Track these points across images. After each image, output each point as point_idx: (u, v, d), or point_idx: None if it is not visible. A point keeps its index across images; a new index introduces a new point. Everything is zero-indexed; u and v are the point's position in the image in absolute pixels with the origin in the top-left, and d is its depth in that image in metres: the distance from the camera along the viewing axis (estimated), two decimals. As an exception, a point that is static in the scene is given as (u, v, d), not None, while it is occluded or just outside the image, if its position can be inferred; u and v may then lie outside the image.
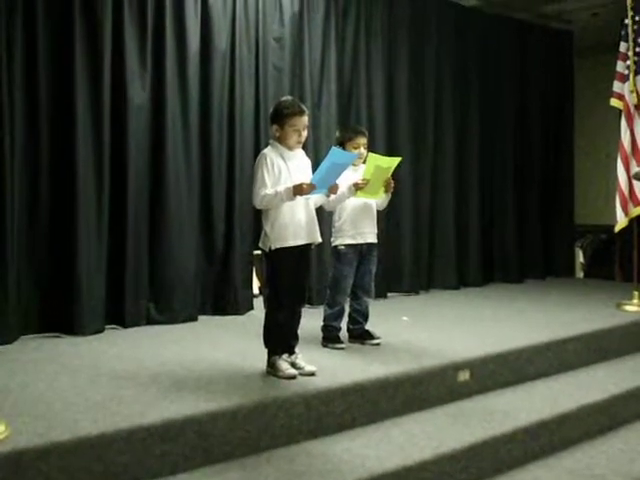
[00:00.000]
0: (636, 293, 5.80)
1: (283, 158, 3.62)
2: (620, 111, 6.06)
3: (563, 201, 8.06)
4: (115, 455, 2.70)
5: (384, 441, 3.24)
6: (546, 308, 5.81)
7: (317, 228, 3.73)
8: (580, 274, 8.45)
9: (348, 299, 4.39)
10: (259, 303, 5.53)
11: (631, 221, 5.95)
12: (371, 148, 4.62)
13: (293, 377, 3.48)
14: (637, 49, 5.87)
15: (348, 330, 4.41)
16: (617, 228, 6.06)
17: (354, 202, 4.25)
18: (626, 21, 5.91)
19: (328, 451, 3.11)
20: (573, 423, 3.79)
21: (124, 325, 4.81)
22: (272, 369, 3.57)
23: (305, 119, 3.64)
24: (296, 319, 3.69)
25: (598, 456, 3.61)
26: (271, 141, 3.72)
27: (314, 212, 3.75)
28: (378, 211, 4.46)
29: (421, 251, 6.67)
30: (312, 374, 3.55)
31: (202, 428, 2.93)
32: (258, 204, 3.59)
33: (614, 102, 6.06)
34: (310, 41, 5.85)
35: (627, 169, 5.93)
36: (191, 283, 5.14)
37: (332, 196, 3.85)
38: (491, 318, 5.34)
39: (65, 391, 3.25)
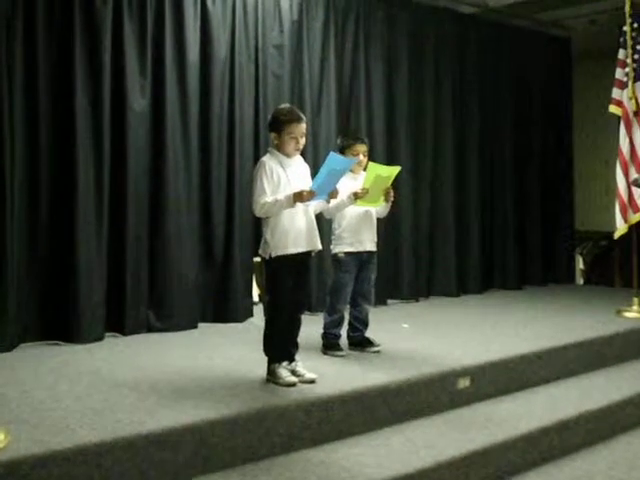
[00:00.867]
0: (636, 299, 5.80)
1: (282, 165, 3.63)
2: (619, 118, 6.07)
3: (563, 208, 8.06)
4: (114, 463, 2.69)
5: (384, 449, 3.23)
6: (546, 315, 5.80)
7: (317, 235, 3.73)
8: (580, 280, 8.44)
9: (348, 306, 4.39)
10: (259, 310, 5.52)
11: (630, 227, 5.95)
12: (371, 155, 4.63)
13: (293, 385, 3.48)
14: (635, 56, 5.88)
15: (348, 337, 4.40)
16: (617, 235, 6.06)
17: (354, 210, 4.25)
18: (624, 28, 5.93)
19: (328, 459, 3.11)
20: (573, 430, 3.79)
21: (124, 333, 4.81)
22: (272, 377, 3.57)
23: (303, 126, 3.64)
24: (296, 326, 3.69)
25: (599, 463, 3.61)
26: (270, 149, 3.73)
27: (314, 219, 3.75)
28: (378, 219, 4.46)
29: (421, 258, 6.67)
30: (312, 382, 3.55)
31: (202, 436, 2.93)
32: (258, 212, 3.59)
33: (613, 109, 6.07)
34: (309, 49, 5.86)
35: (626, 175, 5.94)
36: (191, 290, 5.14)
37: (332, 202, 3.86)
38: (491, 325, 5.34)
39: (64, 399, 3.25)
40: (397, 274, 6.48)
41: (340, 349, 4.26)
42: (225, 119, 5.38)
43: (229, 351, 4.36)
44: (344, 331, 4.39)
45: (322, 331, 4.33)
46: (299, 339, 3.71)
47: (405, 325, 5.28)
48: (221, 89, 5.35)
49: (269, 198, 3.52)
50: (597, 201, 8.51)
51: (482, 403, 3.94)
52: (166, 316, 5.02)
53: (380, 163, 4.56)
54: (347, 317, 4.40)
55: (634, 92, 5.87)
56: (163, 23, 5.03)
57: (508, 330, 5.09)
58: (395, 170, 4.19)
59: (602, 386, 4.38)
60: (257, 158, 4.73)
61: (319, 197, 3.63)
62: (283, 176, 3.60)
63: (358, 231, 4.31)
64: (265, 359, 3.63)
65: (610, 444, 3.89)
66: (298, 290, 3.67)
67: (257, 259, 5.27)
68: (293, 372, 3.57)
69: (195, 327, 5.11)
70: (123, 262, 4.84)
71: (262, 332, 3.67)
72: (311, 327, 4.17)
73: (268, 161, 3.62)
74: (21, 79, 4.43)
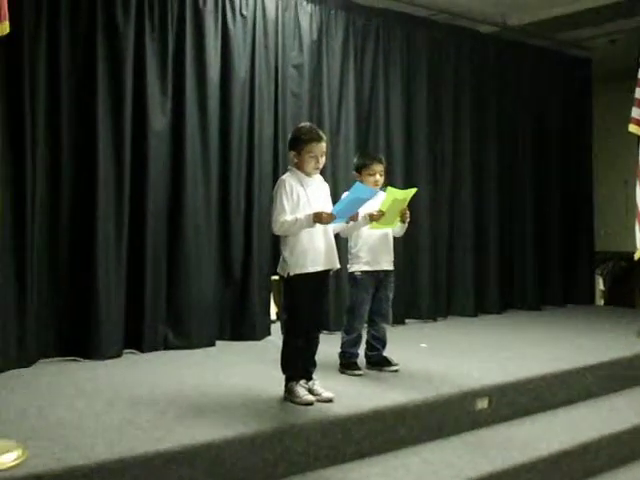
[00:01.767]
0: (657, 321, 5.74)
1: (302, 184, 3.63)
2: (638, 137, 6.03)
3: (582, 228, 8.01)
4: (132, 480, 2.69)
5: (402, 469, 3.20)
6: (566, 336, 5.75)
7: (336, 254, 3.72)
8: (600, 301, 8.36)
9: (366, 325, 4.38)
10: (277, 329, 5.52)
11: (651, 248, 5.89)
12: (388, 175, 4.63)
13: (310, 403, 3.46)
14: (656, 76, 5.85)
15: (366, 356, 4.38)
16: (637, 255, 6.00)
17: (370, 229, 4.24)
18: (645, 48, 5.91)
19: (345, 479, 3.08)
20: (594, 453, 3.73)
21: (142, 350, 4.82)
22: (289, 395, 3.55)
23: (323, 145, 3.65)
24: (314, 345, 3.68)
25: (620, 487, 3.56)
26: (290, 167, 3.74)
27: (333, 238, 3.74)
28: (395, 238, 4.45)
29: (439, 278, 6.65)
30: (330, 400, 3.53)
31: (219, 454, 2.92)
32: (277, 230, 3.60)
33: (632, 128, 6.03)
34: (329, 68, 5.91)
35: (645, 195, 5.89)
36: (209, 308, 5.15)
37: (350, 223, 3.87)
38: (510, 345, 5.30)
39: (82, 415, 3.26)
40: (416, 294, 6.46)
41: (358, 368, 4.24)
42: (245, 138, 5.42)
43: (246, 369, 4.35)
44: (362, 350, 4.37)
45: (340, 350, 4.31)
46: (317, 358, 3.70)
47: (423, 345, 5.25)
48: (241, 108, 5.39)
49: (289, 217, 3.53)
50: (617, 221, 8.45)
51: (501, 424, 3.90)
52: (184, 334, 5.03)
53: (398, 186, 4.56)
54: (365, 336, 4.38)
55: (654, 112, 5.83)
56: (184, 43, 5.09)
57: (527, 351, 5.04)
58: (411, 192, 4.17)
59: (623, 408, 4.32)
60: (276, 177, 4.75)
61: (338, 220, 3.64)
62: (303, 195, 3.60)
63: (375, 250, 4.29)
64: (283, 377, 3.62)
65: (632, 467, 3.83)
66: (316, 309, 3.66)
67: (275, 277, 5.29)
68: (310, 391, 3.56)
69: (213, 345, 5.11)
70: (142, 280, 4.86)
71: (280, 350, 3.66)
72: (329, 346, 4.16)
73: (288, 179, 3.63)
74: (44, 98, 4.48)
